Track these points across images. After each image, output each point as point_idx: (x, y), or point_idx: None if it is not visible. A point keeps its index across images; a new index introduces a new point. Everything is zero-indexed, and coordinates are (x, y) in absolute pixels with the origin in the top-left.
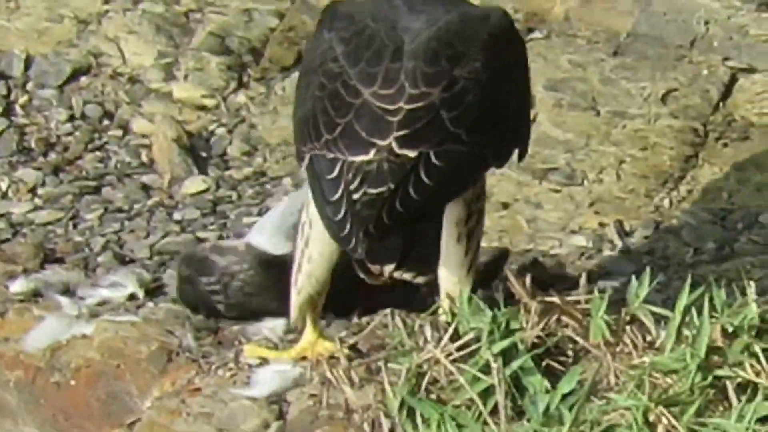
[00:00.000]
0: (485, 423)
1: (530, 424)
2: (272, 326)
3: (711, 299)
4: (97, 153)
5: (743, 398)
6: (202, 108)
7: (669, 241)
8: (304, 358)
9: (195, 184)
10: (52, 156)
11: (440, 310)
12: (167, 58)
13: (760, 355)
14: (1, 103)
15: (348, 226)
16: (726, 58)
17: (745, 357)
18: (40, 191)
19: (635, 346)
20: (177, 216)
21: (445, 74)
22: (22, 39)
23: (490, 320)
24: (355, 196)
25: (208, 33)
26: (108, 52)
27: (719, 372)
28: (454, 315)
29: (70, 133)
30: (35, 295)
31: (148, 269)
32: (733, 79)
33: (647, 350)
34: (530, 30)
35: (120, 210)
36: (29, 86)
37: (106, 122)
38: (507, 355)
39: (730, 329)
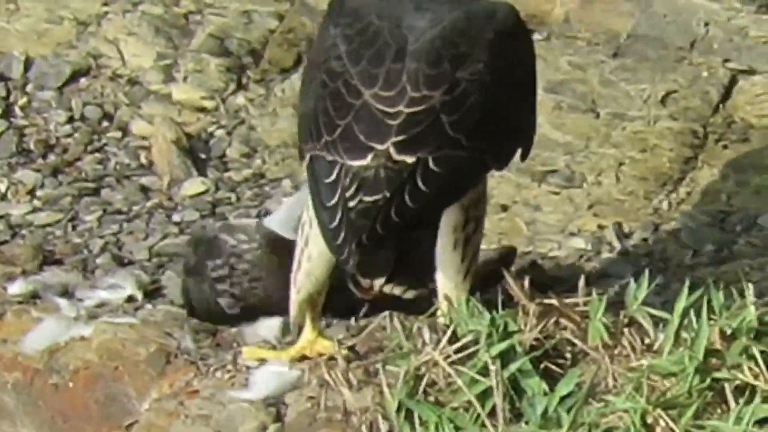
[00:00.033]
0: (483, 425)
1: (528, 427)
2: (269, 327)
3: (709, 302)
4: (97, 155)
5: (741, 401)
6: (202, 110)
7: (668, 243)
8: (303, 357)
9: (194, 185)
10: (52, 157)
11: (438, 313)
12: (166, 59)
13: (759, 357)
14: (1, 104)
15: (342, 235)
16: (726, 60)
17: (743, 359)
18: (39, 193)
19: (633, 349)
20: (176, 218)
21: (447, 76)
22: (21, 40)
23: (488, 322)
24: (351, 204)
25: (207, 35)
26: (107, 53)
27: (717, 374)
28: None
29: (69, 135)
30: (34, 297)
31: (146, 271)
32: (733, 81)
33: (645, 353)
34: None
35: (119, 212)
36: (29, 88)
37: (105, 124)
38: (505, 358)
39: (729, 332)
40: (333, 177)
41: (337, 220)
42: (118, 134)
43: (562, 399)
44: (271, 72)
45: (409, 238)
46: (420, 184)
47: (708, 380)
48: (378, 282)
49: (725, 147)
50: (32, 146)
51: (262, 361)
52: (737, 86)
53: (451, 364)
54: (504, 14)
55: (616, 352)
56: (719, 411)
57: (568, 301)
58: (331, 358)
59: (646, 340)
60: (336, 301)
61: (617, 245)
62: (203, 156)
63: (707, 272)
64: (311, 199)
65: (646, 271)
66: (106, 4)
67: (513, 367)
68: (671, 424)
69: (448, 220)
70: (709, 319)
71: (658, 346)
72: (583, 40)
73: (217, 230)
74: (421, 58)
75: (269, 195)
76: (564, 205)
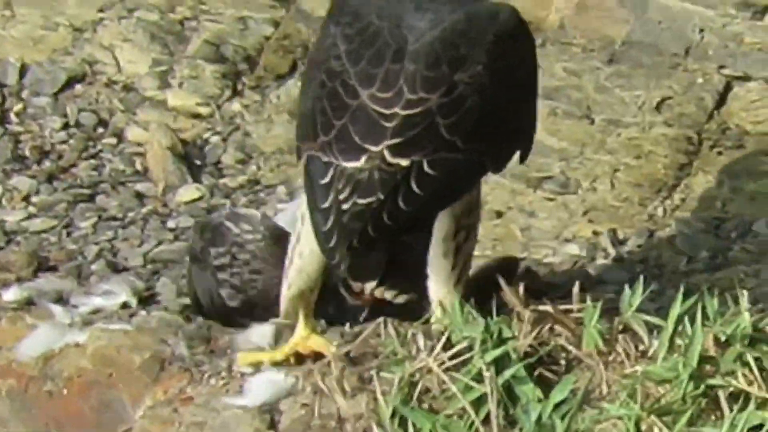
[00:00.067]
0: None
1: None
2: (262, 334)
3: (704, 308)
4: (92, 161)
5: (735, 407)
6: (197, 116)
7: (662, 249)
8: (297, 354)
9: (189, 192)
10: (47, 164)
11: (433, 319)
12: (162, 66)
13: (753, 364)
14: None
15: (334, 239)
16: (721, 66)
17: (737, 366)
18: (34, 199)
19: (628, 355)
20: (171, 224)
21: (444, 79)
22: (17, 47)
23: (482, 329)
24: (345, 207)
25: (203, 41)
26: (103, 60)
27: (712, 381)
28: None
29: (64, 141)
30: (28, 304)
31: (141, 277)
32: (728, 87)
33: (640, 359)
34: None
35: (114, 218)
36: (24, 94)
37: (100, 130)
38: (499, 364)
39: (723, 338)
40: (328, 179)
41: (329, 222)
42: (113, 140)
43: (557, 406)
44: (266, 78)
45: (402, 241)
46: (414, 187)
47: (702, 387)
48: (369, 285)
49: (720, 153)
50: (27, 152)
51: (257, 368)
52: (732, 93)
53: (446, 370)
54: (506, 16)
55: (610, 358)
56: (713, 418)
57: (562, 307)
58: (325, 361)
59: (641, 347)
60: (340, 306)
61: (612, 251)
62: (198, 162)
63: (702, 279)
64: (306, 199)
65: (641, 278)
66: (101, 11)
67: (507, 373)
68: (665, 430)
69: (440, 228)
70: (704, 325)
71: (652, 353)
72: (578, 46)
73: (224, 217)
74: (420, 60)
75: (264, 201)
76: (559, 211)
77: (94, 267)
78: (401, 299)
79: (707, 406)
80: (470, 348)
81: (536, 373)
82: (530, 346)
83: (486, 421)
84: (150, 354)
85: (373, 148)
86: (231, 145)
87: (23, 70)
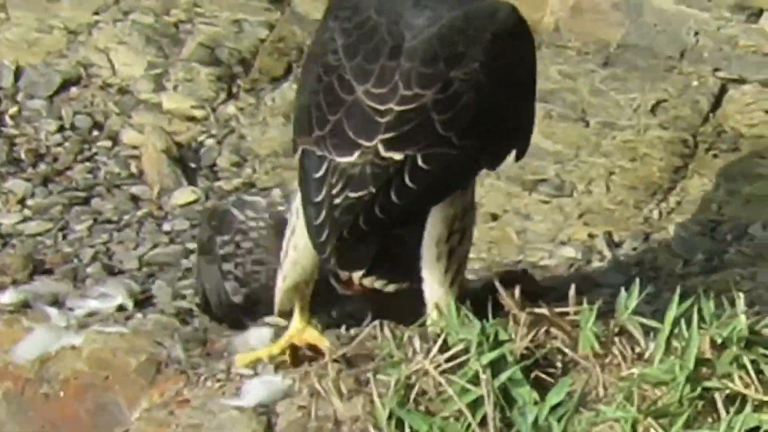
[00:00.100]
0: None
1: None
2: (260, 336)
3: (700, 311)
4: (87, 164)
5: (732, 410)
6: (192, 119)
7: (658, 252)
8: (293, 346)
9: (184, 195)
10: (42, 167)
11: (429, 321)
12: (157, 68)
13: (749, 366)
14: None
15: (326, 233)
16: (716, 69)
17: (734, 368)
18: (29, 202)
19: (624, 358)
20: (166, 227)
21: (440, 76)
22: (11, 50)
23: (479, 331)
24: (337, 201)
25: (198, 44)
26: (98, 62)
27: (708, 383)
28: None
29: (59, 144)
30: (24, 306)
31: (137, 280)
32: (723, 90)
33: (636, 362)
34: None
35: (109, 221)
36: (19, 97)
37: (95, 133)
38: (496, 367)
39: (719, 341)
40: (321, 173)
41: (321, 217)
42: (109, 143)
43: (553, 408)
44: (261, 81)
45: (394, 234)
46: (407, 180)
47: (699, 389)
48: (357, 274)
49: (715, 156)
50: (22, 155)
51: (255, 369)
52: (727, 95)
53: (442, 373)
54: (505, 14)
55: (606, 361)
56: (710, 420)
57: (558, 310)
58: (321, 363)
59: (637, 349)
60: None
61: (608, 254)
62: (193, 165)
63: (698, 281)
64: (300, 192)
65: (637, 280)
66: (96, 14)
67: (504, 376)
68: None
69: (434, 231)
70: (700, 328)
71: (648, 355)
72: (573, 49)
73: (230, 204)
74: (416, 57)
75: None
76: (554, 214)
77: (89, 270)
78: (391, 288)
79: (704, 408)
80: (466, 350)
81: (533, 375)
82: (527, 348)
83: (482, 423)
84: (146, 356)
85: (367, 144)
86: (226, 148)
87: (18, 73)
